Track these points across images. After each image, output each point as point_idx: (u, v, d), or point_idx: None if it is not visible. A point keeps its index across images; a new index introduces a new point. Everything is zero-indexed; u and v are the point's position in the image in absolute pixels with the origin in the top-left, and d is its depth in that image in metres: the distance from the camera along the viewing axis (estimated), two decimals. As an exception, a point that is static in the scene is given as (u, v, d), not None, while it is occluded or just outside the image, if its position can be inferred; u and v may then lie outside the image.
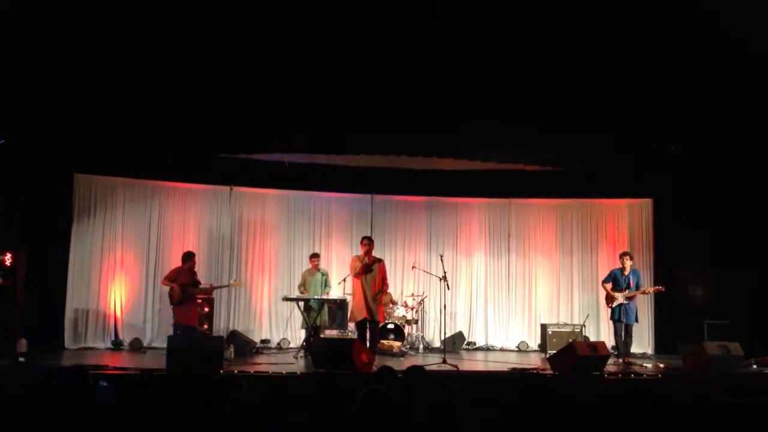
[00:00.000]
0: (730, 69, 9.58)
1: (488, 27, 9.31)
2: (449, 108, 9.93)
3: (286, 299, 11.06)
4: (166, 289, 10.43)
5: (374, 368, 8.53)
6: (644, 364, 10.15)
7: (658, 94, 9.95)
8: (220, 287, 11.28)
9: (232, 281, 11.41)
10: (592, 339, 11.26)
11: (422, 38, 9.35)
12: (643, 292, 10.78)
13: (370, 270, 9.60)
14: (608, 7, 8.86)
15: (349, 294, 10.88)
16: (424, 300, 12.26)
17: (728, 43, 9.26)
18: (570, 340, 10.07)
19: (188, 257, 10.42)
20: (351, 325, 11.48)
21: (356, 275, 9.63)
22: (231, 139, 10.39)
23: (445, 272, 10.47)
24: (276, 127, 10.09)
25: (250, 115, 9.84)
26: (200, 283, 10.46)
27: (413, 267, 12.31)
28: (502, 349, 12.52)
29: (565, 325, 11.89)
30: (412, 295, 12.25)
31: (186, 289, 10.09)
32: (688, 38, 9.35)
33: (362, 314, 9.53)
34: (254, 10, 8.81)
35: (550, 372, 8.80)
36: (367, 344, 9.41)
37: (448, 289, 10.86)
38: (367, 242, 9.81)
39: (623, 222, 12.84)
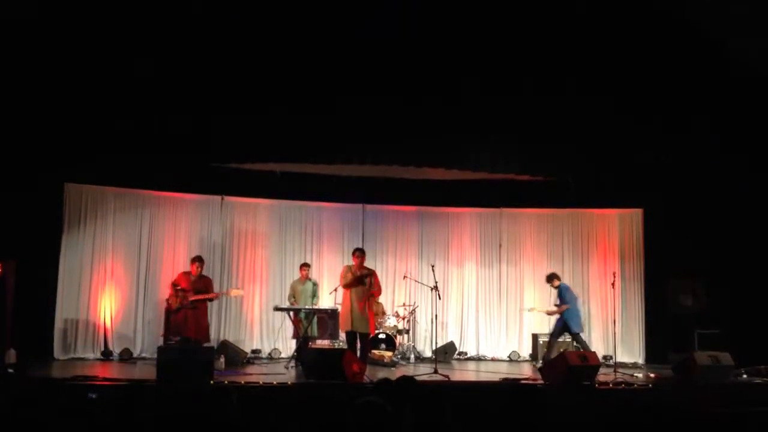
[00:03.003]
0: (718, 77, 9.68)
1: (477, 40, 9.39)
2: (441, 118, 9.97)
3: (278, 309, 11.03)
4: (157, 299, 10.35)
5: (366, 378, 8.52)
6: (635, 374, 10.17)
7: (650, 101, 10.04)
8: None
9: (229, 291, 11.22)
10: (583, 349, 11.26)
11: (413, 50, 9.40)
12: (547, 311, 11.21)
13: (362, 282, 9.54)
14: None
15: (339, 304, 10.86)
16: (416, 310, 12.26)
17: (715, 52, 9.37)
18: (561, 350, 10.09)
19: (193, 262, 10.34)
20: (342, 335, 11.46)
21: (345, 286, 9.56)
22: (222, 148, 10.37)
23: (436, 282, 10.47)
24: (268, 136, 10.09)
25: (242, 124, 9.85)
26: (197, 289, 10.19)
27: (404, 277, 12.31)
28: (493, 359, 12.52)
29: (556, 334, 11.88)
30: (404, 304, 12.23)
31: (179, 294, 10.05)
32: (675, 46, 9.47)
33: (349, 326, 9.48)
34: (253, 17, 8.86)
35: (541, 382, 8.82)
36: (357, 354, 9.39)
37: (440, 298, 10.87)
38: (359, 254, 9.76)
39: (614, 232, 12.88)
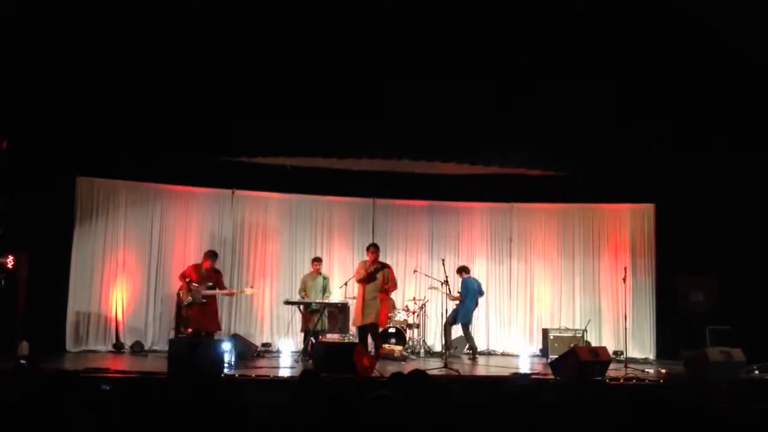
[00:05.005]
0: (729, 73, 9.62)
1: (488, 36, 9.36)
2: (452, 111, 9.95)
3: (288, 303, 11.06)
4: (168, 292, 10.40)
5: (376, 372, 8.53)
6: (646, 369, 10.14)
7: (657, 98, 10.00)
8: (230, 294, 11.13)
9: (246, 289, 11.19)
10: (594, 344, 11.23)
11: (422, 46, 9.39)
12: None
13: (373, 279, 9.53)
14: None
15: (350, 298, 10.89)
16: (426, 304, 12.25)
17: (726, 48, 9.31)
18: (571, 345, 10.08)
19: (206, 256, 10.36)
20: (352, 329, 11.48)
21: (359, 281, 9.60)
22: (233, 142, 10.40)
23: (446, 277, 10.46)
24: (279, 130, 10.10)
25: (253, 119, 9.87)
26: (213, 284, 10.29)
27: (415, 271, 12.31)
28: (503, 354, 12.51)
29: (567, 330, 11.88)
30: (414, 299, 12.23)
31: (191, 288, 10.08)
32: (686, 42, 9.41)
33: (360, 320, 9.48)
34: (262, 12, 8.86)
35: (551, 377, 8.81)
36: (369, 348, 9.42)
37: (450, 293, 10.86)
38: (374, 249, 9.73)
39: (625, 227, 12.82)
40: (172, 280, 11.57)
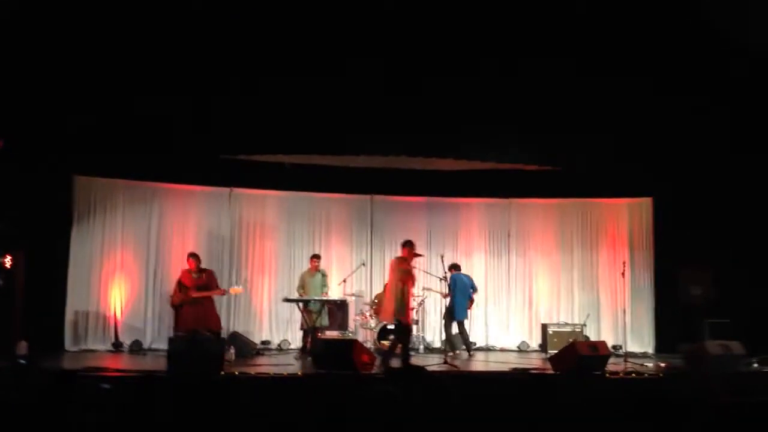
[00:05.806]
0: (730, 69, 9.61)
1: (483, 30, 9.35)
2: (449, 107, 9.94)
3: (287, 300, 11.05)
4: (167, 291, 10.38)
5: (375, 369, 8.54)
6: (645, 364, 10.16)
7: (658, 93, 9.99)
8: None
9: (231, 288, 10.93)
10: (593, 339, 11.25)
11: (419, 35, 9.37)
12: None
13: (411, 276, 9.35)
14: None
15: (349, 295, 10.87)
16: (425, 300, 12.24)
17: (728, 44, 9.31)
18: (570, 340, 10.09)
19: (190, 258, 10.35)
20: (351, 326, 11.51)
21: (402, 280, 9.21)
22: (231, 140, 10.39)
23: (445, 273, 10.45)
24: (276, 127, 10.09)
25: (250, 116, 9.86)
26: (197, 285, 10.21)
27: (414, 268, 12.29)
28: (502, 350, 12.51)
29: (566, 324, 11.90)
30: (413, 295, 12.21)
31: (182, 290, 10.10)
32: (687, 39, 9.40)
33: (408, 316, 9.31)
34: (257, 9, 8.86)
35: (551, 372, 8.81)
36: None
37: (449, 290, 10.86)
38: (410, 246, 9.45)
39: (623, 221, 12.82)
40: (171, 279, 11.54)
